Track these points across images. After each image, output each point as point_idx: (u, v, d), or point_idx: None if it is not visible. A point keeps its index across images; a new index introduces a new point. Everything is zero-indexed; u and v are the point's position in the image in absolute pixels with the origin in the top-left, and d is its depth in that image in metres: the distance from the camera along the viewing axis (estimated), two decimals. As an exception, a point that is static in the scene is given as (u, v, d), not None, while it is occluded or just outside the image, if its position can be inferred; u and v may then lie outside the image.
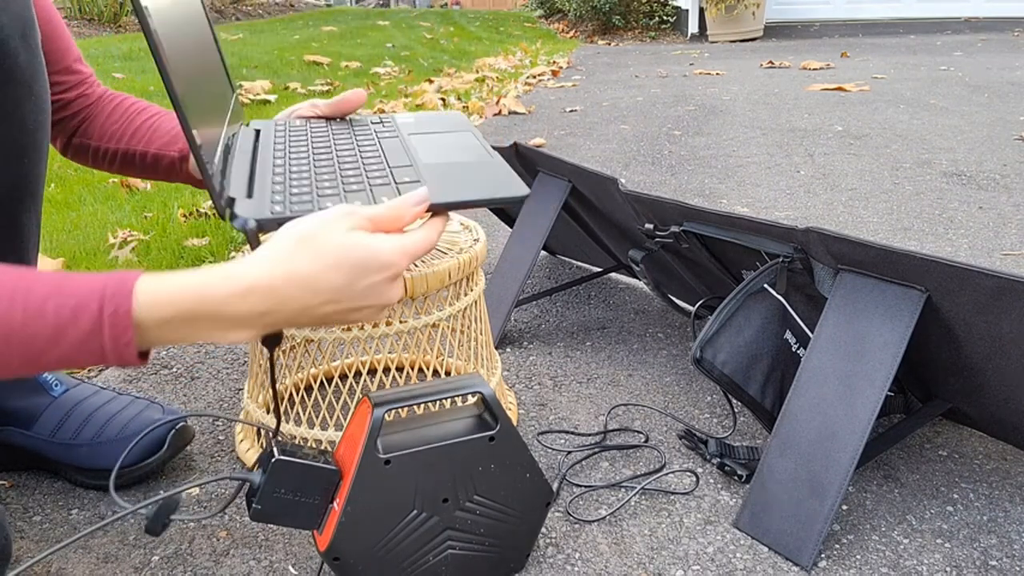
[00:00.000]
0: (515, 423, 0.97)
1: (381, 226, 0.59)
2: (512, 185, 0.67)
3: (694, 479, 0.90)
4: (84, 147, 0.91)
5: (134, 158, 0.89)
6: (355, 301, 0.57)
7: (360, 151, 0.75)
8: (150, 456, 0.88)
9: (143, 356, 0.56)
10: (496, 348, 1.20)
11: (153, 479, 0.90)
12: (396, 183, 0.66)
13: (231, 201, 0.61)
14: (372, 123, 0.85)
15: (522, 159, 1.26)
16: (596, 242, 1.35)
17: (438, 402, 0.83)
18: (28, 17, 0.74)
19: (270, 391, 0.94)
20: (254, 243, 0.59)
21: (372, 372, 1.12)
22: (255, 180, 0.67)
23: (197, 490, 0.89)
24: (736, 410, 1.04)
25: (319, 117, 0.86)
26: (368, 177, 0.68)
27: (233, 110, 0.80)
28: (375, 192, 0.65)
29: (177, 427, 0.90)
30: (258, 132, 0.81)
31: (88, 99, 0.91)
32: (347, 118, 0.87)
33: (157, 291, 0.53)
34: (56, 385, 0.91)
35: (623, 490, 0.88)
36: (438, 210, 0.63)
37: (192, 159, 0.86)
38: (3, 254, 0.78)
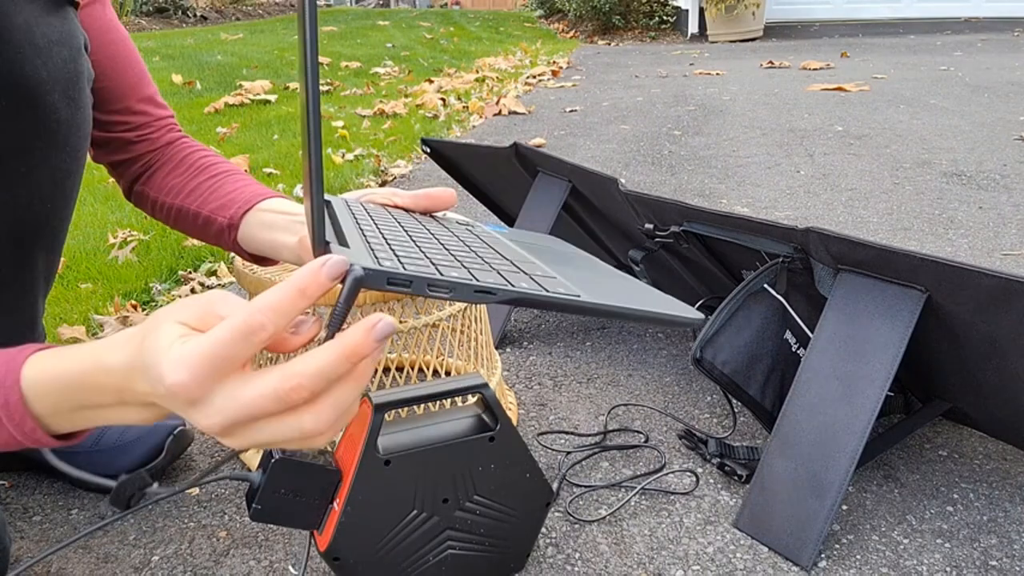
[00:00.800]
0: (515, 423, 0.97)
1: (282, 307, 0.43)
2: (680, 306, 0.52)
3: (694, 479, 0.90)
4: (144, 196, 0.85)
5: (187, 216, 0.82)
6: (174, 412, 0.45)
7: (464, 241, 0.61)
8: (149, 462, 0.88)
9: (70, 436, 0.52)
10: (496, 348, 1.20)
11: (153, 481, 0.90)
12: (529, 274, 0.52)
13: (326, 244, 0.46)
14: (459, 223, 0.71)
15: (522, 159, 1.26)
16: (596, 242, 1.35)
17: (438, 402, 0.83)
18: (74, 69, 0.70)
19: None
20: (351, 297, 0.44)
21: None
22: (344, 233, 0.53)
23: (197, 490, 0.89)
24: (736, 410, 1.04)
25: (397, 207, 0.71)
26: (487, 261, 0.54)
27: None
28: (508, 276, 0.50)
29: (175, 432, 0.90)
30: (327, 202, 0.67)
31: (152, 144, 0.85)
32: (430, 215, 0.72)
33: (38, 381, 0.49)
34: None
35: (623, 490, 0.88)
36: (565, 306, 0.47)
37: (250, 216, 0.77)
38: (12, 287, 0.77)
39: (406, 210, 0.72)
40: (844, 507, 0.85)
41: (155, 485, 0.63)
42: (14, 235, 0.73)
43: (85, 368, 0.48)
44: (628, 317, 0.48)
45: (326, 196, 0.68)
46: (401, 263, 0.47)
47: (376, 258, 0.46)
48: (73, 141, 0.73)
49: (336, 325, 0.44)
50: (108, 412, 0.49)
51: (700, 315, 0.50)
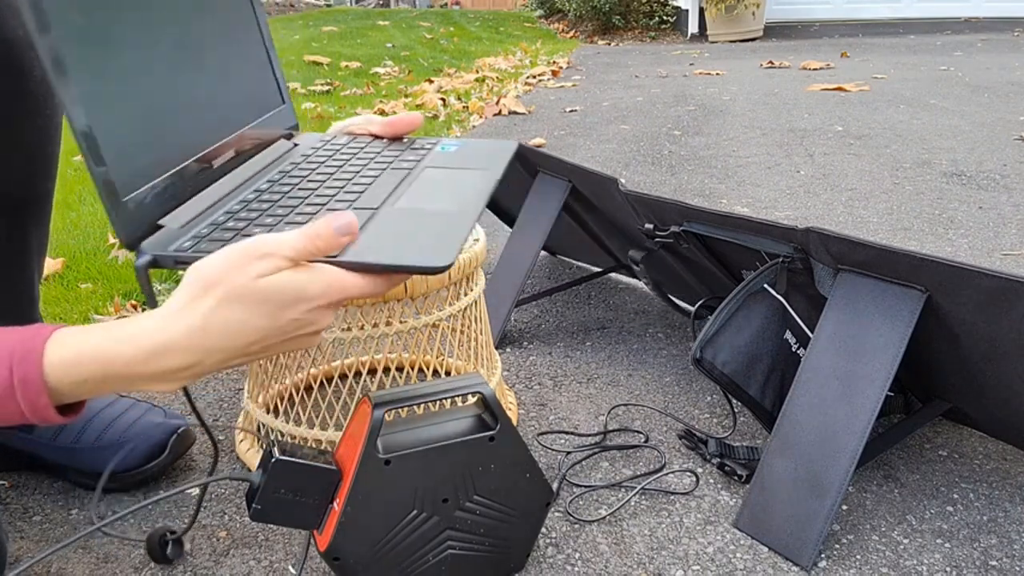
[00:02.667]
0: (515, 423, 0.97)
1: (305, 258, 0.54)
2: (436, 252, 0.57)
3: (694, 479, 0.90)
4: None
5: None
6: (285, 335, 0.54)
7: (350, 181, 0.70)
8: (151, 460, 0.88)
9: (71, 409, 0.55)
10: (496, 348, 1.20)
11: (154, 480, 0.90)
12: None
13: (149, 230, 0.58)
14: (414, 148, 0.79)
15: (522, 159, 1.26)
16: (596, 242, 1.35)
17: (438, 402, 0.83)
18: None
19: (270, 391, 0.94)
20: (144, 285, 0.55)
21: (372, 372, 1.12)
22: (201, 205, 0.63)
23: (197, 490, 0.89)
24: (736, 410, 1.04)
25: (371, 135, 0.81)
26: (300, 212, 0.64)
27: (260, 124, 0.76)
28: (284, 227, 0.60)
29: (179, 432, 0.90)
30: (289, 150, 0.78)
31: None
32: (403, 139, 0.81)
33: (65, 355, 0.52)
34: None
35: (623, 490, 0.88)
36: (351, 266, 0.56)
37: None
38: (8, 263, 0.78)
39: (378, 136, 0.81)
40: (844, 507, 0.85)
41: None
42: (4, 206, 0.74)
43: (122, 355, 0.52)
44: (374, 270, 0.56)
45: (306, 136, 0.82)
46: (205, 242, 0.57)
47: (180, 240, 0.58)
48: (51, 103, 0.75)
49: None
50: (136, 384, 0.53)
51: (443, 261, 0.55)
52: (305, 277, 0.53)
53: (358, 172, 0.72)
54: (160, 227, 0.59)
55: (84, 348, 0.52)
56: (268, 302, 0.52)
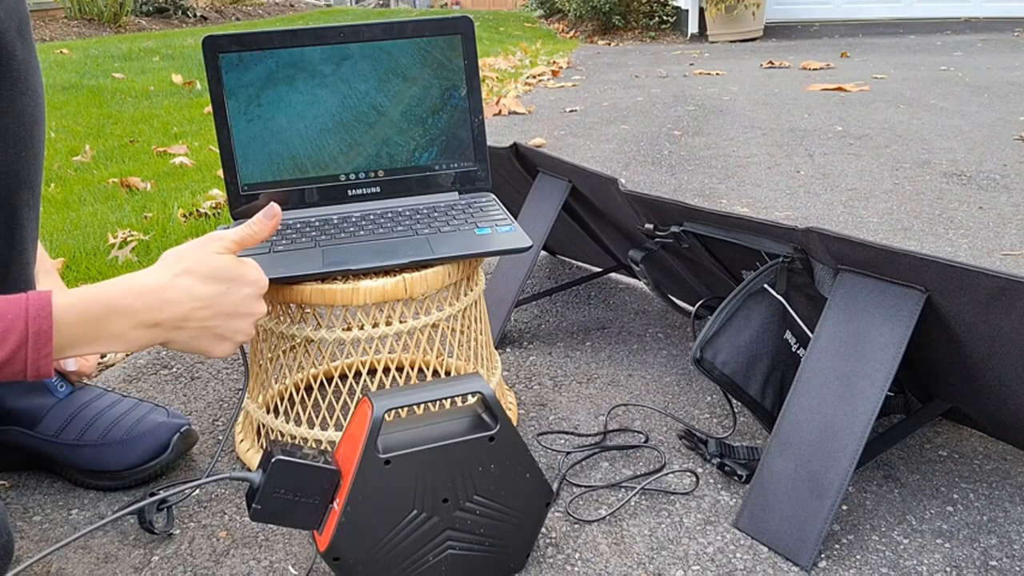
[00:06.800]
0: (515, 423, 0.97)
1: (246, 244, 0.73)
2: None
3: (694, 479, 0.90)
4: None
5: None
6: (229, 308, 0.70)
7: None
8: (154, 459, 0.88)
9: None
10: (496, 348, 1.20)
11: (154, 480, 0.90)
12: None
13: (250, 213, 0.87)
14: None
15: (522, 159, 1.26)
16: (596, 242, 1.35)
17: (438, 402, 0.83)
18: (24, 12, 0.76)
19: (270, 391, 0.94)
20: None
21: (372, 372, 1.12)
22: (304, 214, 0.93)
23: (197, 490, 0.89)
24: (736, 410, 1.04)
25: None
26: (333, 240, 0.88)
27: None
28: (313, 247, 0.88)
29: (182, 430, 0.90)
30: (451, 202, 0.97)
31: None
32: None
33: (72, 299, 0.63)
34: (60, 386, 0.91)
35: (623, 490, 0.88)
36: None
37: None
38: (5, 250, 0.78)
39: None
40: (844, 507, 0.85)
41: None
42: None
43: (119, 297, 0.64)
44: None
45: (484, 193, 0.99)
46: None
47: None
48: (32, 83, 0.77)
49: None
50: (114, 341, 0.65)
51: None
52: (245, 266, 0.72)
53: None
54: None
55: (89, 292, 0.64)
56: (215, 275, 0.69)
